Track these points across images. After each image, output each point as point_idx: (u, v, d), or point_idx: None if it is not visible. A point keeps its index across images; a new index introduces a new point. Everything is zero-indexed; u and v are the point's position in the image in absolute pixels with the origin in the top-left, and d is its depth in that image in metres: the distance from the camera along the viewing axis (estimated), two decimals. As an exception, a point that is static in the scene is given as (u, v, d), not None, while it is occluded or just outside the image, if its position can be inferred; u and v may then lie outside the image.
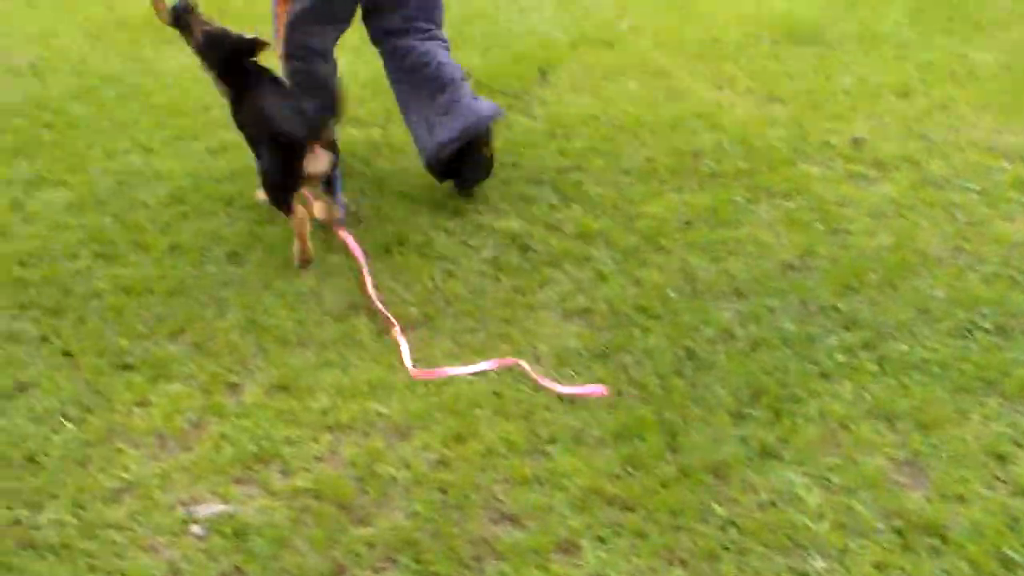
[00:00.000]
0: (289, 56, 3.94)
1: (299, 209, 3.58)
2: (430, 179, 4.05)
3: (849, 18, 5.78)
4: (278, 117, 3.60)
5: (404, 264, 3.56)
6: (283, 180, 3.57)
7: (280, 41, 3.96)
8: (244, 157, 4.28)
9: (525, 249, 3.66)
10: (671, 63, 5.14)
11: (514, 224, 3.79)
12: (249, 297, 3.39)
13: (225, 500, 2.56)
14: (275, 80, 3.85)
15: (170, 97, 4.96)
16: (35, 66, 5.42)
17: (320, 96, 3.66)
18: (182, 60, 5.40)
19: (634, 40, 5.45)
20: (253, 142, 3.79)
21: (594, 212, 3.86)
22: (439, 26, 4.15)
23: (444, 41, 4.15)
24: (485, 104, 3.96)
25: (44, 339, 3.20)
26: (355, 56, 5.35)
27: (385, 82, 4.89)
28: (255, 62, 3.82)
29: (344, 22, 4.02)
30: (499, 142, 4.34)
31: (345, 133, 4.47)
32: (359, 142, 4.43)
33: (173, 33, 5.60)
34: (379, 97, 4.84)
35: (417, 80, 4.01)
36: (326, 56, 4.01)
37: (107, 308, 3.34)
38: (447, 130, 3.84)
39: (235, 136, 4.45)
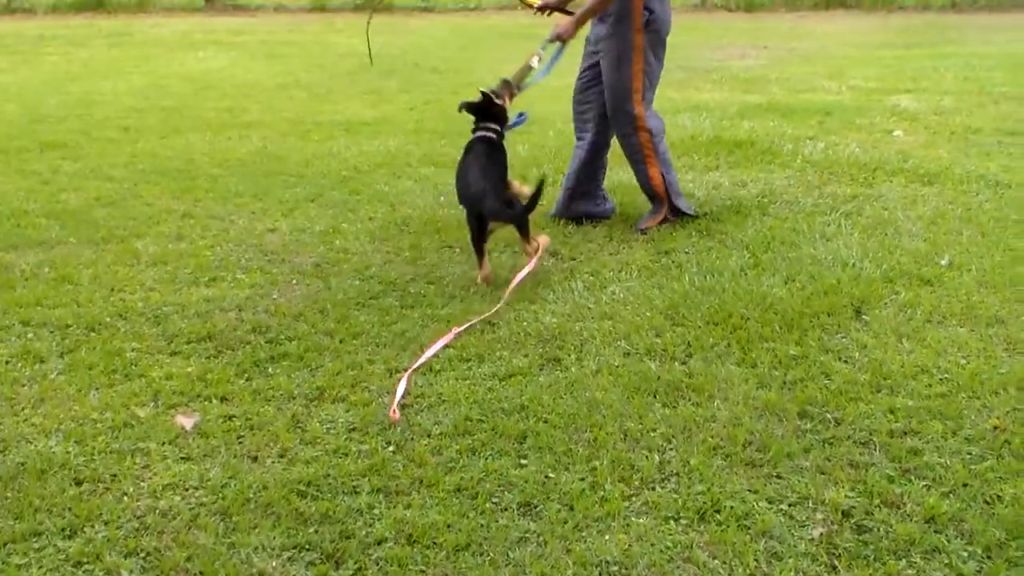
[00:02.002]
0: None
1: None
2: (744, 430, 3.62)
3: None
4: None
5: (722, 537, 3.07)
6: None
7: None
8: (536, 387, 3.96)
9: (862, 530, 3.12)
10: (1004, 309, 4.57)
11: (846, 497, 3.26)
12: (546, 563, 2.97)
13: None
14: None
15: (454, 310, 4.71)
16: (319, 266, 5.32)
17: None
18: (465, 268, 5.24)
19: (956, 279, 4.91)
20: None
21: (940, 490, 3.30)
22: None
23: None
24: None
25: (320, 593, 2.86)
26: (647, 280, 5.04)
27: (685, 310, 4.56)
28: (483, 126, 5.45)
29: None
30: (815, 390, 3.88)
31: (641, 367, 4.10)
32: (656, 379, 4.02)
33: (455, 238, 5.55)
34: (678, 327, 4.46)
35: None
36: None
37: (389, 560, 2.99)
38: None
39: (526, 362, 4.17)
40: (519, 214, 5.06)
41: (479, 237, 5.07)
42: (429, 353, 4.26)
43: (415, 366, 4.16)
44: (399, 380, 4.02)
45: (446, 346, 4.32)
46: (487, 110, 5.49)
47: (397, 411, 3.82)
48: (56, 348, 4.39)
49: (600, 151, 6.04)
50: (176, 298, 4.91)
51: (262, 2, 20.84)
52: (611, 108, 5.84)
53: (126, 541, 3.07)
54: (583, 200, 6.08)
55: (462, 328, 4.48)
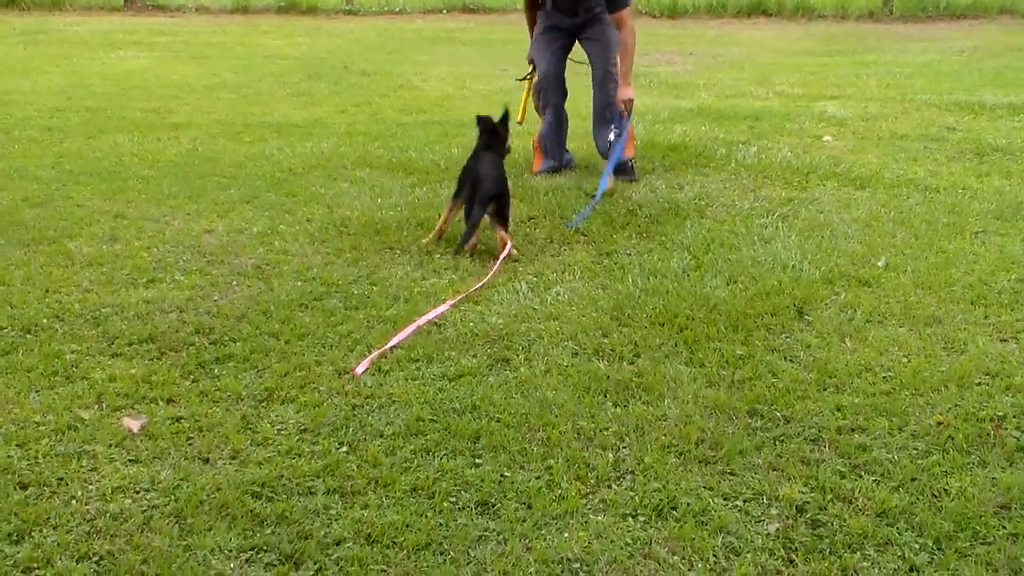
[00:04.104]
0: None
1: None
2: (696, 428, 3.65)
3: None
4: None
5: (679, 533, 3.10)
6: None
7: None
8: (487, 387, 3.96)
9: (816, 525, 3.16)
10: (941, 309, 4.67)
11: (799, 492, 3.30)
12: (507, 561, 2.97)
13: None
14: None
15: (398, 311, 4.68)
16: (260, 268, 5.26)
17: None
18: (407, 268, 5.22)
19: (893, 279, 5.00)
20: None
21: (890, 485, 3.36)
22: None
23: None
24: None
25: (281, 594, 2.83)
26: (590, 281, 5.07)
27: (630, 311, 4.59)
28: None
29: None
30: (763, 389, 3.93)
31: (590, 367, 4.12)
32: (606, 379, 4.04)
33: (396, 239, 5.53)
34: (624, 328, 4.49)
35: None
36: None
37: (349, 560, 2.96)
38: None
39: (475, 362, 4.16)
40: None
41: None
42: (420, 322, 4.53)
43: (396, 340, 4.34)
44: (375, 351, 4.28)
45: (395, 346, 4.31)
46: None
47: (360, 369, 4.08)
48: (-9, 350, 4.28)
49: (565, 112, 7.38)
50: (114, 299, 4.82)
51: (182, 2, 20.54)
52: (604, 68, 7.13)
53: (77, 545, 3.00)
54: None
55: (456, 300, 4.82)
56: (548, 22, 7.28)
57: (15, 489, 3.28)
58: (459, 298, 4.80)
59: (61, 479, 3.35)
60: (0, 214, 6.19)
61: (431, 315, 4.59)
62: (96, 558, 2.96)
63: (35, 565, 2.92)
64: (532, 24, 7.46)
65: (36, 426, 3.67)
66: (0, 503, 3.20)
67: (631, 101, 7.08)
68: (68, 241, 5.67)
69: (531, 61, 7.36)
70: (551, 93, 7.21)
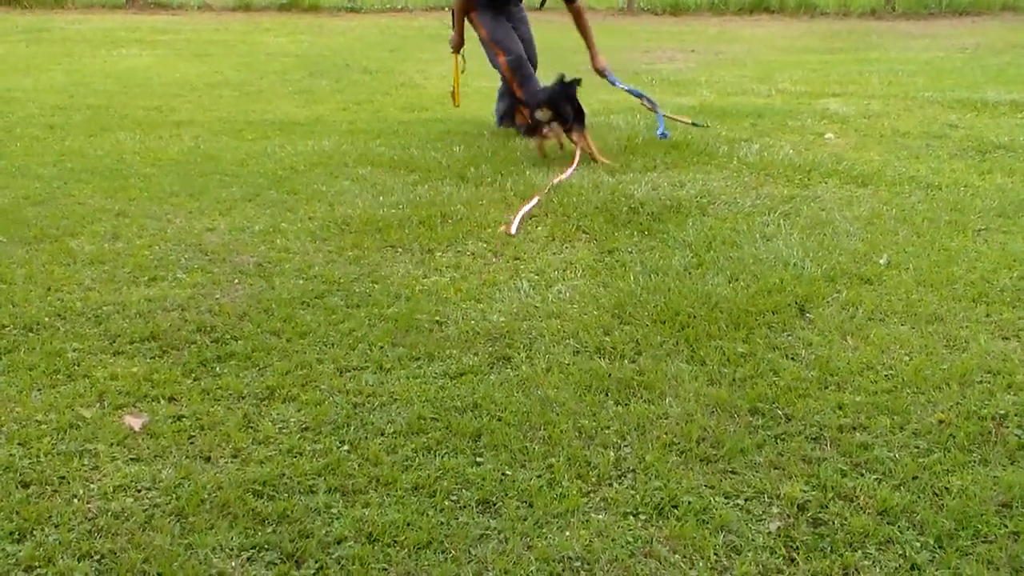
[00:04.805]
0: None
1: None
2: (697, 426, 3.65)
3: None
4: None
5: (680, 532, 3.10)
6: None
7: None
8: (488, 385, 3.96)
9: (817, 523, 3.16)
10: (943, 307, 4.66)
11: (801, 491, 3.30)
12: (508, 559, 2.97)
13: None
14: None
15: (400, 309, 4.68)
16: (261, 266, 5.26)
17: None
18: (409, 267, 5.21)
19: (895, 277, 4.99)
20: None
21: (891, 483, 3.35)
22: None
23: None
24: None
25: (285, 594, 2.83)
26: (592, 279, 5.06)
27: (632, 309, 4.59)
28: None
29: None
30: (765, 387, 3.93)
31: (591, 365, 4.12)
32: (607, 377, 4.04)
33: (397, 237, 5.53)
34: (626, 326, 4.49)
35: None
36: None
37: (350, 559, 2.96)
38: None
39: (476, 360, 4.16)
40: None
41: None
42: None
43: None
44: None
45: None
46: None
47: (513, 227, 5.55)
48: (-7, 349, 4.28)
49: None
50: (116, 298, 4.82)
51: (184, 0, 20.56)
52: (534, 51, 8.52)
53: (79, 544, 3.01)
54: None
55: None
56: (497, 10, 8.33)
57: (16, 488, 3.29)
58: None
59: (63, 478, 3.35)
60: (2, 212, 6.20)
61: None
62: (97, 557, 2.96)
63: (37, 564, 2.93)
64: (462, 16, 8.51)
65: (38, 424, 3.68)
66: (2, 502, 3.20)
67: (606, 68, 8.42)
68: (70, 239, 5.68)
69: (454, 47, 8.74)
70: (528, 67, 8.34)
